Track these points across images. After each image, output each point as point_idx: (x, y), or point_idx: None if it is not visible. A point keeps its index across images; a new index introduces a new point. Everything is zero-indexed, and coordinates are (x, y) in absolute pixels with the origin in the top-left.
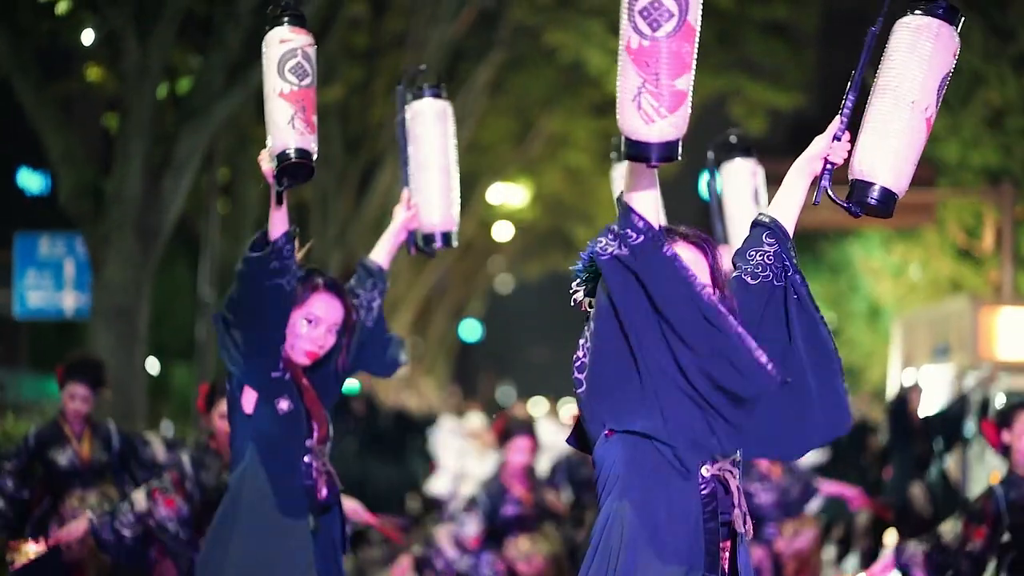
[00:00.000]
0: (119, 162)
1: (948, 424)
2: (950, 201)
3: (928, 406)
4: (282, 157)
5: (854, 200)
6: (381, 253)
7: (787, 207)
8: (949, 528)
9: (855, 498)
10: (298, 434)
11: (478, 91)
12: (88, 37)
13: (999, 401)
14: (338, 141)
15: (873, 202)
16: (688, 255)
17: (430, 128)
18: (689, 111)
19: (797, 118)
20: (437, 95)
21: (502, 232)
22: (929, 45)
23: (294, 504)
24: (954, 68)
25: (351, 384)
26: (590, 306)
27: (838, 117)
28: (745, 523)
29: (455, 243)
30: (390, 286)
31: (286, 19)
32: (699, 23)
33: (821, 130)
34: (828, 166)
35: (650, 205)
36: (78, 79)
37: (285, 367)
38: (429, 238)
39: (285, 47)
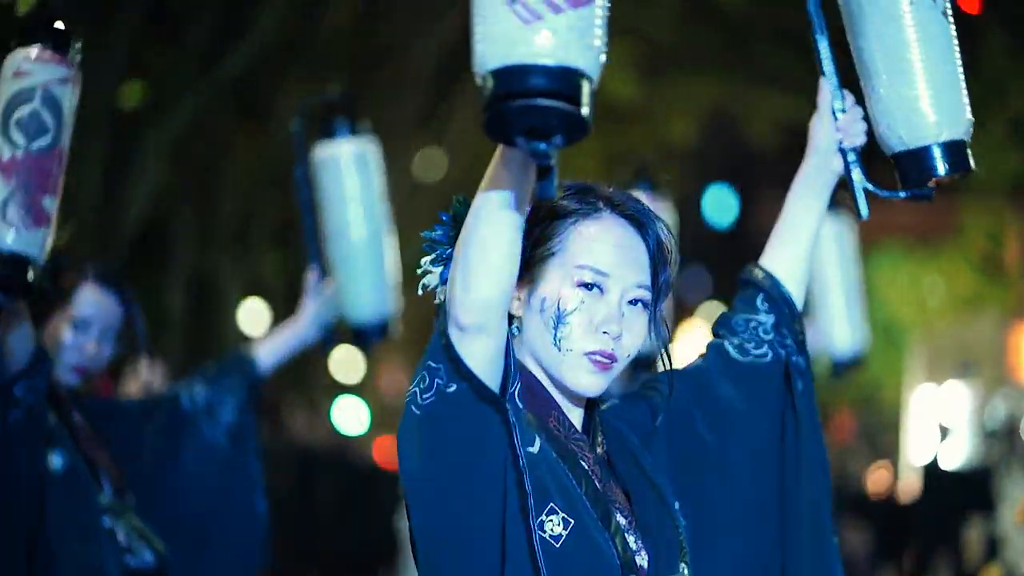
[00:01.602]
0: (73, 162)
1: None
2: (972, 211)
3: (952, 422)
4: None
5: (914, 182)
6: (268, 349)
7: (794, 250)
8: None
9: None
10: (85, 494)
11: (474, 98)
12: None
13: None
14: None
15: (944, 170)
16: (616, 233)
17: (347, 181)
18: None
19: (807, 126)
20: (353, 132)
21: None
22: None
23: None
24: (976, 74)
25: None
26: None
27: (822, 79)
28: None
29: (393, 332)
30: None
31: (39, 38)
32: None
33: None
34: (851, 155)
35: None
36: None
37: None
38: (359, 333)
39: (19, 84)
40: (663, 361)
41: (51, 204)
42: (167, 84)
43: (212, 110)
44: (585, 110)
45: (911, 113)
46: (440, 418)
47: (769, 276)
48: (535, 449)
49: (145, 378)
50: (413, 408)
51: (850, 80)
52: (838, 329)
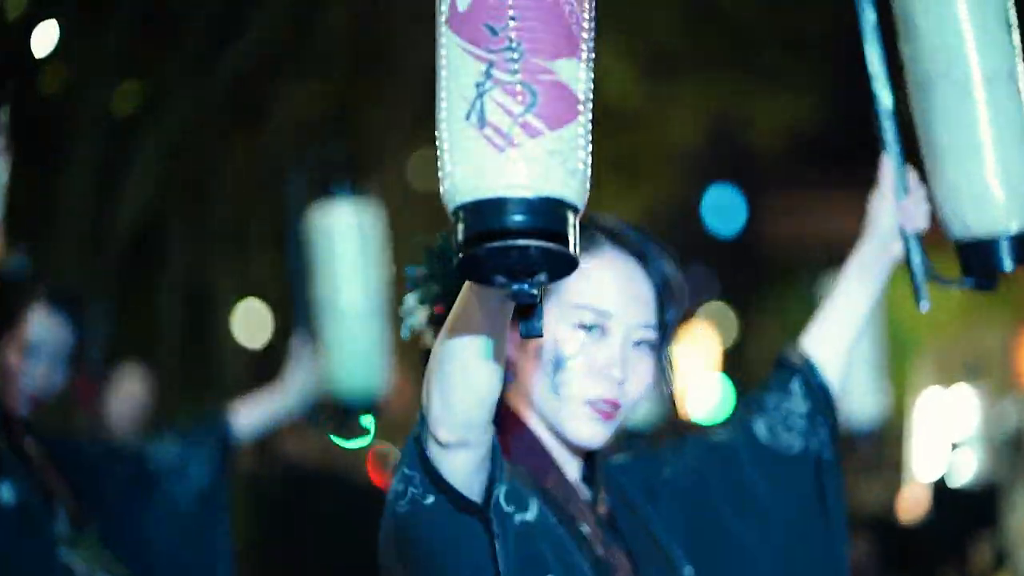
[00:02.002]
0: (65, 164)
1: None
2: None
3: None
4: None
5: (978, 273)
6: (248, 413)
7: (839, 335)
8: None
9: None
10: (38, 527)
11: None
12: (44, 40)
13: None
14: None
15: (1011, 265)
16: (618, 269)
17: (344, 249)
18: None
19: (813, 134)
20: (352, 195)
21: None
22: None
23: None
24: None
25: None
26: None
27: (884, 156)
28: None
29: (381, 410)
30: None
31: None
32: None
33: (838, 146)
34: (913, 241)
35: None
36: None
37: None
38: (346, 411)
39: None
40: (670, 407)
41: None
42: (163, 87)
43: (208, 112)
44: (571, 245)
45: (980, 199)
46: (417, 527)
47: (808, 362)
48: (531, 516)
49: (131, 389)
50: (391, 509)
51: (910, 148)
52: (858, 400)
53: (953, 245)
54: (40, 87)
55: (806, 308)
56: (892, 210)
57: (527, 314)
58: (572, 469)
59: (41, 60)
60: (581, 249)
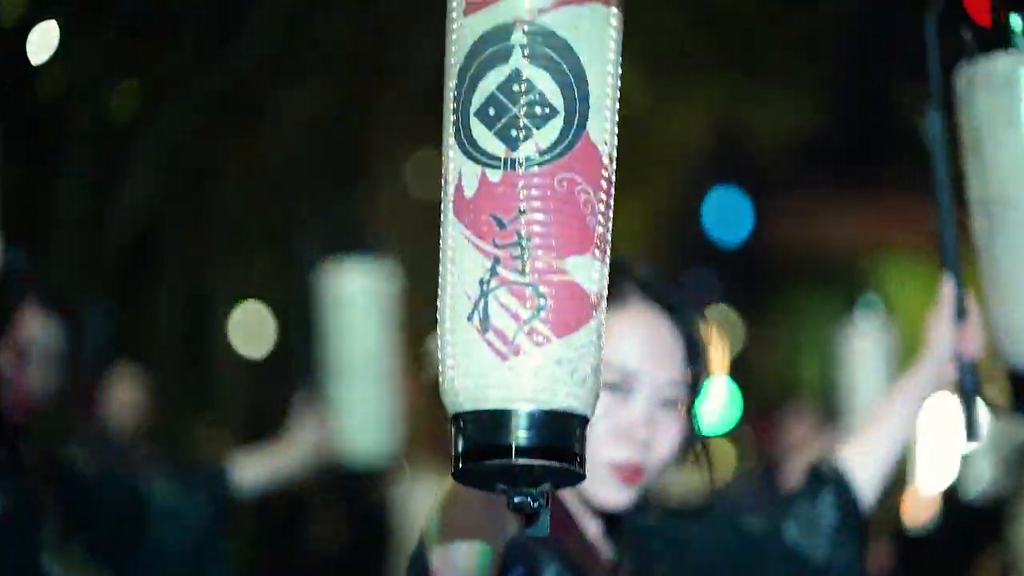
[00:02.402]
0: (60, 168)
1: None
2: None
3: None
4: None
5: None
6: (250, 471)
7: (879, 451)
8: None
9: None
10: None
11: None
12: (42, 45)
13: None
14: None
15: None
16: (644, 323)
17: (359, 317)
18: None
19: (817, 138)
20: (364, 256)
21: None
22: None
23: None
24: None
25: None
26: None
27: (944, 277)
28: None
29: (394, 471)
30: None
31: None
32: None
33: (842, 152)
34: (969, 369)
35: None
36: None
37: None
38: (357, 474)
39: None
40: (700, 467)
41: None
42: (161, 89)
43: (207, 115)
44: (578, 461)
45: None
46: None
47: (843, 476)
48: None
49: (129, 392)
50: None
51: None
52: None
53: (1006, 374)
54: (39, 89)
55: (811, 313)
56: (949, 335)
57: (531, 521)
58: (594, 526)
59: (40, 63)
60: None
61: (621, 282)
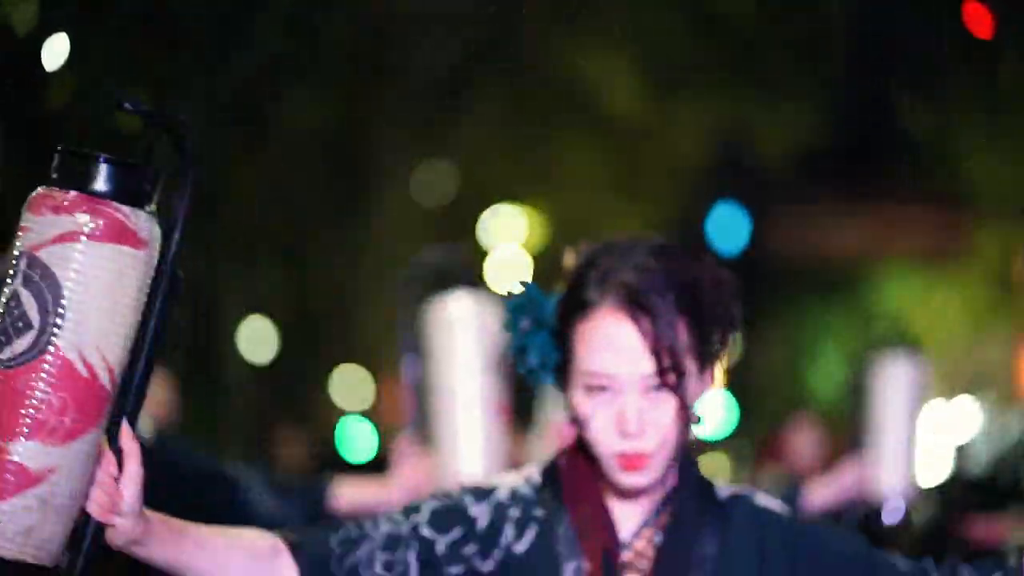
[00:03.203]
0: None
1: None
2: (985, 230)
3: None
4: None
5: None
6: (349, 496)
7: None
8: None
9: None
10: None
11: (479, 115)
12: (54, 55)
13: None
14: (323, 167)
15: None
16: (610, 332)
17: (466, 343)
18: None
19: (820, 146)
20: (470, 287)
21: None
22: None
23: None
24: (987, 87)
25: None
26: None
27: None
28: None
29: None
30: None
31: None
32: None
33: (842, 157)
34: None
35: None
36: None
37: None
38: None
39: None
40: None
41: None
42: (169, 98)
43: (213, 125)
44: None
45: None
46: None
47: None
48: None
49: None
50: None
51: None
52: (888, 478)
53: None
54: (48, 98)
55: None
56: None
57: None
58: (626, 508)
59: (51, 72)
60: (578, 315)
61: (589, 287)
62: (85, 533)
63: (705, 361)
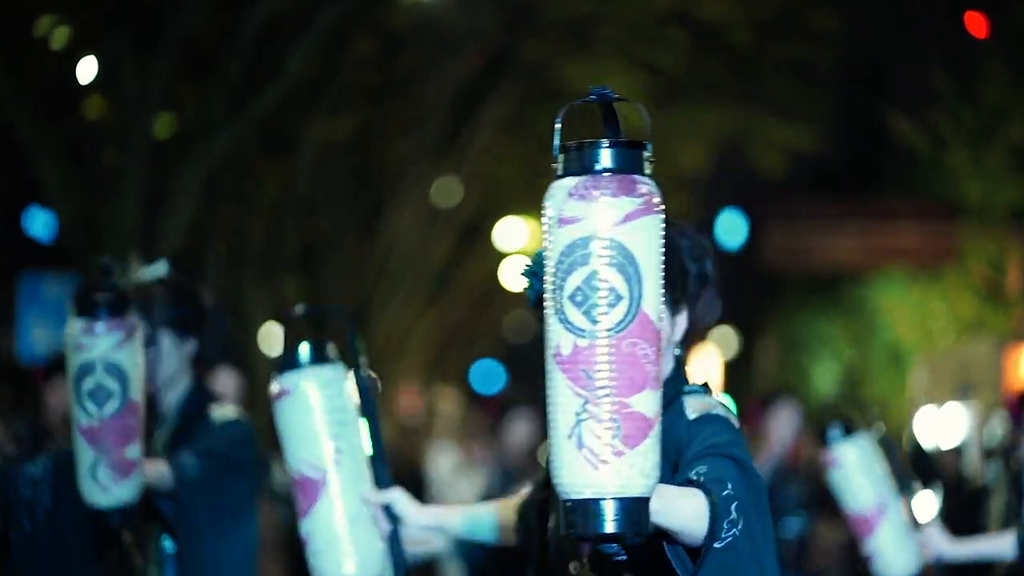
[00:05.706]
0: (115, 195)
1: None
2: (973, 240)
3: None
4: (97, 526)
5: None
6: (419, 515)
7: None
8: None
9: None
10: None
11: (491, 128)
12: (86, 72)
13: None
14: (346, 178)
15: None
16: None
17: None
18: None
19: (816, 159)
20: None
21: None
22: None
23: None
24: (977, 104)
25: None
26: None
27: None
28: None
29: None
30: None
31: (98, 309)
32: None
33: (840, 172)
34: None
35: None
36: (79, 115)
37: None
38: None
39: (80, 357)
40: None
41: (134, 451)
42: (201, 119)
43: (242, 143)
44: (644, 525)
45: None
46: None
47: None
48: None
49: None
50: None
51: None
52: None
53: None
54: (85, 116)
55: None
56: None
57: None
58: None
59: (84, 89)
60: None
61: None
62: None
63: (670, 305)
